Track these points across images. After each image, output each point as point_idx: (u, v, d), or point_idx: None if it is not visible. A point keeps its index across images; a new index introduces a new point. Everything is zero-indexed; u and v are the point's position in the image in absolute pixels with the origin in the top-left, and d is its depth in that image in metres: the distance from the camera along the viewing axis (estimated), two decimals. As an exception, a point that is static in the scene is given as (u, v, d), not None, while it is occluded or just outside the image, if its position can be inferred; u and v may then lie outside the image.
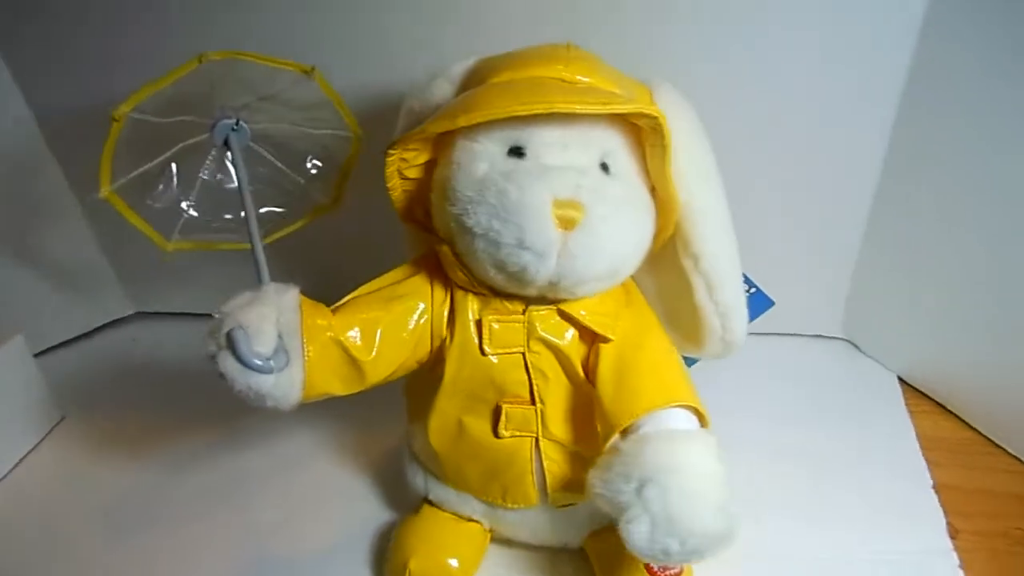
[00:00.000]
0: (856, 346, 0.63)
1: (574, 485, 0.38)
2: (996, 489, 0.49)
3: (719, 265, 0.38)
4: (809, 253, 0.60)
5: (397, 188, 0.39)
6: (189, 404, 0.59)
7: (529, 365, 0.37)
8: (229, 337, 0.32)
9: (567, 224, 0.32)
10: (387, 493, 0.50)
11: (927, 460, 0.51)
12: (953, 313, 0.54)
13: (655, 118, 0.33)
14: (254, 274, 0.37)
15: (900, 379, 0.59)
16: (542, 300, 0.36)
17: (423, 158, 0.38)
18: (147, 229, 0.43)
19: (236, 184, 0.44)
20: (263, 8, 0.53)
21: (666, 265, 0.39)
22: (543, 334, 0.37)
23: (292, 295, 0.35)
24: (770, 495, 0.48)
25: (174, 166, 0.43)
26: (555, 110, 0.32)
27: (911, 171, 0.52)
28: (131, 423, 0.58)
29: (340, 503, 0.50)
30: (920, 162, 0.51)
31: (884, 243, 0.56)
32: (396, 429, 0.48)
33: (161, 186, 0.43)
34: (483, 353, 0.37)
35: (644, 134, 0.36)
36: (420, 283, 0.38)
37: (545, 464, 0.38)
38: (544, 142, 0.34)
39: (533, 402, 0.38)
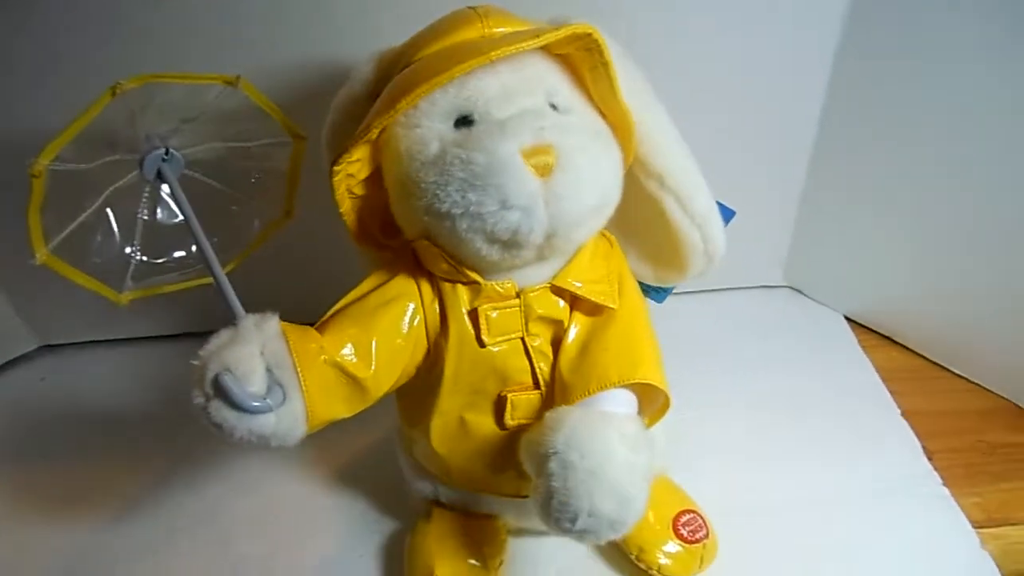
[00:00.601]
0: (801, 292, 0.65)
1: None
2: (957, 409, 0.52)
3: (685, 178, 0.37)
4: (750, 205, 0.60)
5: (348, 208, 0.36)
6: (119, 441, 0.54)
7: (530, 349, 0.36)
8: (217, 383, 0.29)
9: (543, 170, 0.31)
10: (377, 501, 0.48)
11: (889, 390, 0.54)
12: (893, 251, 0.57)
13: (589, 35, 0.32)
14: (226, 310, 0.34)
15: (847, 318, 0.62)
16: (539, 263, 0.35)
17: (366, 172, 0.36)
18: (96, 286, 0.39)
19: (180, 218, 0.40)
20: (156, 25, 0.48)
21: (632, 198, 0.38)
22: (541, 313, 0.35)
23: (273, 324, 0.32)
24: (747, 445, 0.50)
25: (109, 212, 0.39)
26: (493, 58, 0.30)
27: (848, 119, 0.54)
28: (55, 472, 0.52)
29: (326, 522, 0.47)
30: (857, 109, 0.53)
31: (823, 193, 0.58)
32: (361, 432, 0.46)
33: (100, 237, 0.39)
34: (482, 345, 0.35)
35: (578, 63, 0.35)
36: (404, 283, 0.36)
37: (557, 448, 0.37)
38: (489, 99, 0.32)
39: (537, 386, 0.36)
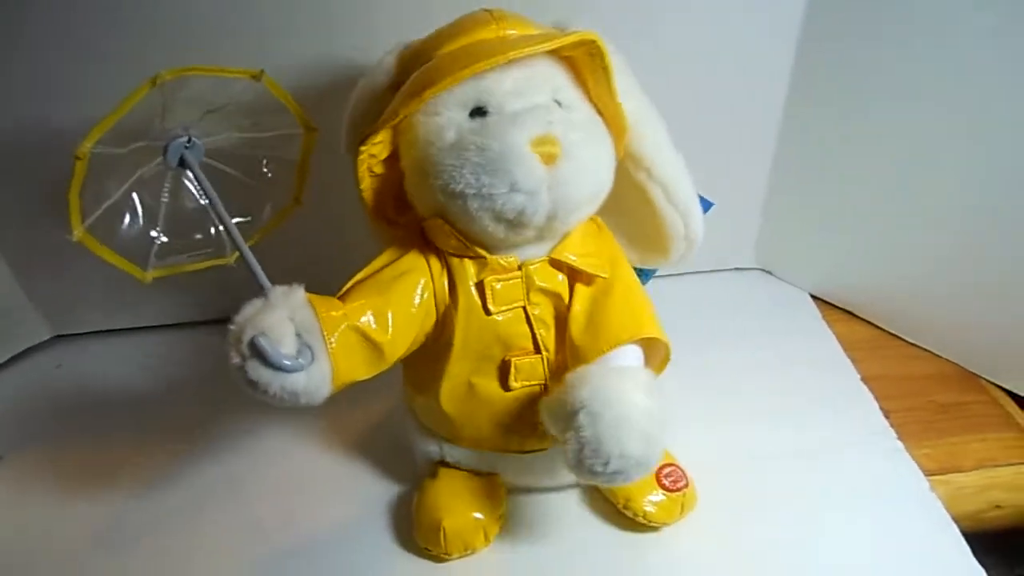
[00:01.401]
0: (770, 273, 0.70)
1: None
2: (910, 373, 0.57)
3: (671, 171, 0.42)
4: (723, 196, 0.65)
5: (367, 186, 0.40)
6: (138, 423, 0.57)
7: (531, 317, 0.40)
8: (253, 345, 0.33)
9: (549, 159, 0.35)
10: (385, 468, 0.51)
11: (850, 358, 0.59)
12: (853, 234, 0.62)
13: (593, 42, 0.36)
14: (247, 286, 0.37)
15: (812, 296, 0.67)
16: (538, 242, 0.39)
17: (386, 153, 0.39)
18: (124, 264, 0.42)
19: (200, 202, 0.44)
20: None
21: (622, 187, 0.42)
22: (541, 285, 0.39)
23: (299, 294, 0.36)
24: (723, 408, 0.54)
25: (135, 196, 0.42)
26: (512, 58, 0.35)
27: (813, 104, 0.58)
28: (79, 453, 0.55)
29: (341, 488, 0.50)
30: (821, 94, 0.58)
31: (789, 177, 0.63)
32: (374, 405, 0.49)
33: (127, 218, 0.42)
34: (488, 313, 0.39)
35: (579, 65, 0.39)
36: (415, 259, 0.40)
37: (556, 407, 0.41)
38: (504, 93, 0.37)
39: (537, 351, 0.40)
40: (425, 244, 0.40)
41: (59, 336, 0.66)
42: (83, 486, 0.51)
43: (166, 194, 0.44)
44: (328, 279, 0.39)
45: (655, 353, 0.40)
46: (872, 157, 0.57)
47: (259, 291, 0.36)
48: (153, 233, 0.43)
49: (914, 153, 0.55)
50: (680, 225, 0.43)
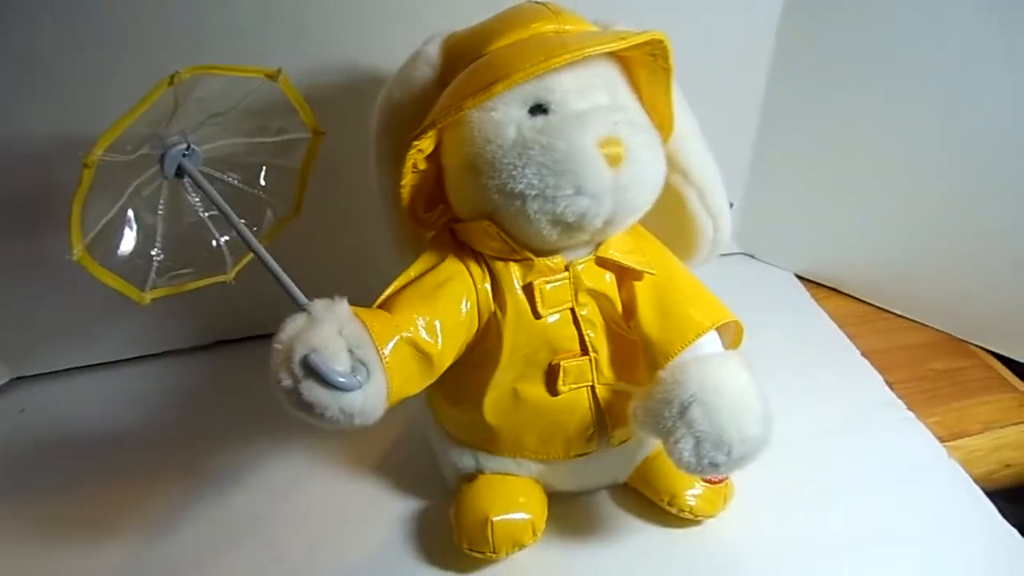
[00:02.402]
0: (753, 256, 0.71)
1: (628, 420, 0.40)
2: (905, 344, 0.60)
3: (708, 175, 0.42)
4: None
5: (408, 181, 0.38)
6: (125, 464, 0.53)
7: (579, 318, 0.39)
8: (306, 364, 0.30)
9: (614, 161, 0.34)
10: (406, 488, 0.49)
11: (846, 335, 0.60)
12: (834, 213, 0.63)
13: (660, 42, 0.35)
14: (286, 296, 0.34)
15: (797, 276, 0.68)
16: (586, 246, 0.38)
17: (431, 148, 0.37)
18: (122, 286, 0.39)
19: (200, 215, 0.41)
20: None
21: None
22: (590, 286, 0.38)
23: (343, 306, 0.33)
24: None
25: (131, 212, 0.39)
26: (586, 55, 0.33)
27: (791, 92, 0.60)
28: (61, 500, 0.50)
29: (362, 511, 0.48)
30: (800, 81, 0.59)
31: (768, 168, 0.64)
32: (386, 426, 0.46)
33: (125, 235, 0.39)
34: (537, 316, 0.38)
35: (638, 65, 0.38)
36: (454, 265, 0.38)
37: (604, 407, 0.40)
38: (566, 91, 0.35)
39: (585, 352, 0.39)
40: (460, 248, 0.39)
41: (19, 378, 0.61)
42: (74, 541, 0.47)
43: (162, 207, 0.41)
44: (330, 290, 0.36)
45: (726, 334, 0.40)
46: (849, 139, 0.59)
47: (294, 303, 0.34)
48: (153, 252, 0.40)
49: (890, 133, 0.57)
50: (710, 228, 0.43)
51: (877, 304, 0.64)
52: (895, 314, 0.63)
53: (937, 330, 0.61)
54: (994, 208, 0.54)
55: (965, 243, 0.57)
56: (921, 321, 0.61)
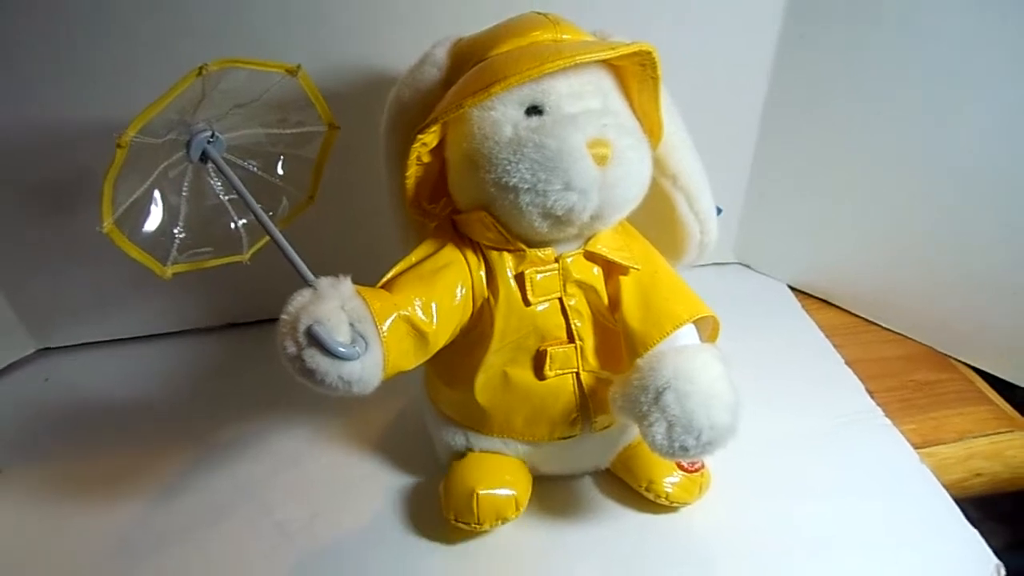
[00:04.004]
0: (749, 266, 0.73)
1: (610, 407, 0.43)
2: (888, 355, 0.62)
3: (695, 179, 0.45)
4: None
5: (413, 173, 0.41)
6: (139, 433, 0.56)
7: (566, 308, 0.41)
8: (310, 334, 0.33)
9: (601, 160, 0.37)
10: (403, 463, 0.52)
11: (832, 344, 0.62)
12: (827, 228, 0.66)
13: (649, 53, 0.38)
14: (295, 274, 0.38)
15: (790, 287, 0.71)
16: (576, 240, 0.41)
17: (435, 142, 0.40)
18: (146, 259, 0.42)
19: (220, 198, 0.45)
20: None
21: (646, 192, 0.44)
22: (578, 277, 0.41)
23: (348, 284, 0.36)
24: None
25: (157, 192, 0.42)
26: (577, 62, 0.36)
27: (790, 106, 0.62)
28: (80, 464, 0.53)
29: (360, 484, 0.50)
30: (798, 96, 0.61)
31: (765, 180, 0.67)
32: (387, 403, 0.49)
33: (151, 213, 0.42)
34: (527, 304, 0.41)
35: (625, 73, 0.41)
36: (453, 252, 0.41)
37: (587, 393, 0.43)
38: (560, 95, 0.38)
39: (572, 340, 0.42)
40: (459, 238, 0.42)
41: (44, 349, 0.64)
42: (92, 498, 0.50)
43: (186, 189, 0.44)
44: (338, 272, 0.38)
45: (703, 329, 0.42)
46: (844, 156, 0.61)
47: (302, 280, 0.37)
48: (175, 230, 0.43)
49: (884, 152, 0.59)
50: (697, 232, 0.46)
51: (864, 316, 0.66)
52: (881, 326, 0.65)
53: (920, 343, 0.63)
54: (980, 229, 0.56)
55: (951, 261, 0.59)
56: (905, 334, 0.63)
